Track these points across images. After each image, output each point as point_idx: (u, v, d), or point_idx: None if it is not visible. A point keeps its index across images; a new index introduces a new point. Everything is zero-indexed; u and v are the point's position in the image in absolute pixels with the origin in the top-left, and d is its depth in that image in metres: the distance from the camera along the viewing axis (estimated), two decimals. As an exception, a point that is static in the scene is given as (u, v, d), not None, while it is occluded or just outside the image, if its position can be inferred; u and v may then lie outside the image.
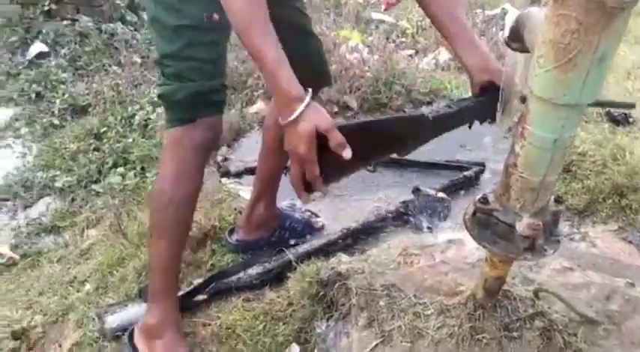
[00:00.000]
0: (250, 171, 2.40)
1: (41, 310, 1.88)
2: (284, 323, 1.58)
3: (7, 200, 2.86)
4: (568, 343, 1.29)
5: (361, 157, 1.11)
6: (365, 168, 1.28)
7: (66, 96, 3.67)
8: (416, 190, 2.14)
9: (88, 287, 1.96)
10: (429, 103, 3.16)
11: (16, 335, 1.77)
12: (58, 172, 2.95)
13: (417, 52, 4.10)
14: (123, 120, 3.21)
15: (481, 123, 1.29)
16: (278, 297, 1.66)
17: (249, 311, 1.66)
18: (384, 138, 1.16)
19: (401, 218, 2.10)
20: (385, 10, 5.00)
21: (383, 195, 2.31)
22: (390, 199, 2.25)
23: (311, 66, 1.69)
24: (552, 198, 1.08)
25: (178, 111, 1.44)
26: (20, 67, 4.12)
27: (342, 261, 1.57)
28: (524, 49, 1.05)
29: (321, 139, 1.05)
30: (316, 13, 4.40)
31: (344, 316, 1.43)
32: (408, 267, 1.61)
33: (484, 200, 1.09)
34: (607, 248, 1.96)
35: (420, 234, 1.99)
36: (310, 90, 1.07)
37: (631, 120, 2.84)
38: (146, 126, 3.13)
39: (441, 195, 2.13)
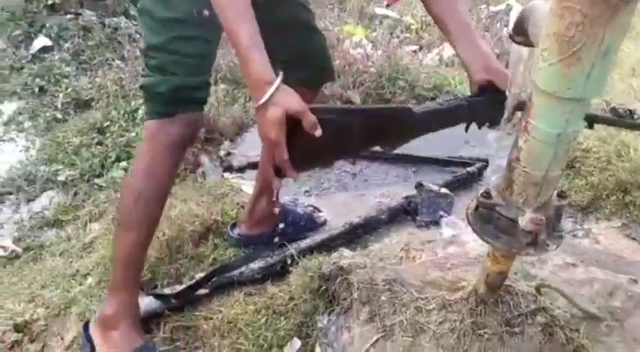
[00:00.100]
0: (253, 165, 2.40)
1: (43, 303, 1.88)
2: (285, 318, 1.58)
3: (10, 193, 2.86)
4: (570, 339, 1.28)
5: (338, 146, 1.09)
6: (343, 159, 1.25)
7: (69, 90, 3.67)
8: (419, 186, 2.14)
9: (90, 280, 1.96)
10: (433, 99, 3.15)
11: (18, 328, 1.77)
12: (61, 166, 2.95)
13: (421, 48, 4.08)
14: (126, 115, 3.20)
15: (479, 126, 1.25)
16: (280, 292, 1.66)
17: (250, 305, 1.66)
18: (364, 128, 1.12)
19: (404, 213, 2.10)
20: (387, 6, 4.98)
21: (386, 191, 2.31)
22: (393, 195, 2.25)
23: (314, 61, 1.69)
24: (555, 193, 1.07)
25: (158, 105, 1.43)
26: (24, 61, 4.12)
27: (344, 256, 1.57)
28: (528, 43, 1.04)
29: (292, 124, 1.03)
30: (320, 8, 4.39)
31: (345, 310, 1.43)
32: (410, 262, 1.61)
33: (487, 194, 1.08)
34: (610, 244, 1.95)
35: (423, 229, 1.99)
36: (281, 73, 1.05)
37: (636, 116, 2.83)
38: (149, 120, 3.12)
39: (444, 190, 2.13)
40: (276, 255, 1.80)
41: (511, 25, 1.31)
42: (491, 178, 2.35)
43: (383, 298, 1.38)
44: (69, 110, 3.56)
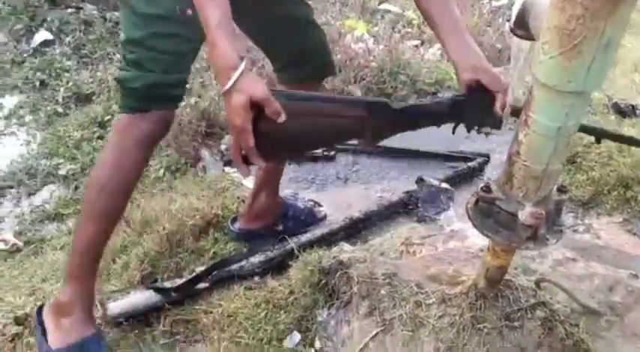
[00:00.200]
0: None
1: (44, 296, 1.88)
2: (285, 312, 1.58)
3: (11, 187, 2.87)
4: (569, 333, 1.28)
5: (309, 136, 1.08)
6: (317, 150, 1.22)
7: (70, 84, 3.67)
8: (420, 180, 2.14)
9: (90, 274, 1.96)
10: (434, 94, 3.14)
11: (19, 321, 1.77)
12: (61, 160, 2.96)
13: (422, 43, 4.06)
14: (127, 109, 3.20)
15: (468, 129, 1.23)
16: (280, 285, 1.66)
17: (250, 299, 1.66)
18: (336, 119, 1.10)
19: (404, 208, 2.10)
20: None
21: (387, 185, 2.31)
22: (393, 189, 2.25)
23: (315, 58, 1.68)
24: (555, 187, 1.07)
25: (132, 99, 1.41)
26: (25, 55, 4.11)
27: (344, 250, 1.57)
28: (529, 36, 1.04)
29: (258, 110, 1.02)
30: (322, 2, 4.37)
31: (345, 304, 1.43)
32: (410, 257, 1.61)
33: (487, 188, 1.08)
34: (611, 239, 1.95)
35: (423, 224, 1.99)
36: (246, 58, 1.04)
37: (638, 112, 2.82)
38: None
39: (444, 185, 2.13)
40: (276, 249, 1.80)
41: (513, 19, 1.31)
42: (492, 173, 2.35)
43: (383, 292, 1.38)
44: (70, 104, 3.56)
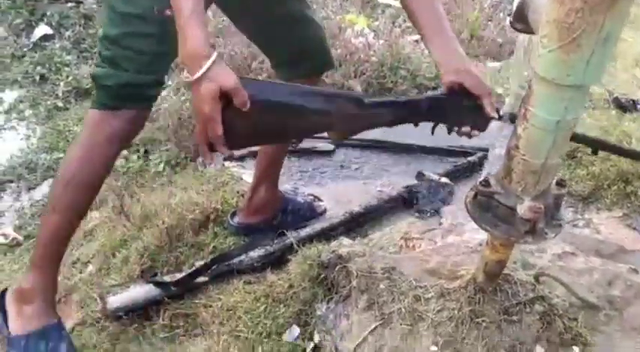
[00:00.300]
0: (253, 154, 2.39)
1: (44, 290, 1.89)
2: (284, 305, 1.58)
3: (11, 181, 2.87)
4: (568, 328, 1.29)
5: (274, 126, 1.08)
6: (286, 140, 1.22)
7: (70, 78, 3.66)
8: (419, 175, 2.14)
9: (90, 268, 1.96)
10: (434, 88, 3.14)
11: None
12: (61, 154, 2.95)
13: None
14: (126, 104, 3.20)
15: (449, 131, 1.22)
16: (279, 280, 1.66)
17: (250, 293, 1.66)
18: (305, 110, 1.10)
19: (404, 202, 2.10)
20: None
21: (386, 180, 2.31)
22: (393, 184, 2.24)
23: (313, 55, 1.68)
24: (554, 181, 1.07)
25: (105, 96, 1.41)
26: (25, 49, 4.10)
27: (344, 244, 1.57)
28: (528, 30, 1.04)
29: (226, 100, 1.02)
30: (322, -4, 4.36)
31: (344, 298, 1.44)
32: (410, 251, 1.61)
33: (486, 183, 1.08)
34: (611, 234, 1.95)
35: (423, 218, 1.99)
36: (217, 48, 1.04)
37: (638, 106, 2.82)
38: (150, 109, 3.12)
39: (444, 180, 2.13)
40: (276, 243, 1.81)
41: (512, 12, 1.31)
42: (492, 167, 2.35)
43: (381, 286, 1.38)
44: (70, 98, 3.55)
